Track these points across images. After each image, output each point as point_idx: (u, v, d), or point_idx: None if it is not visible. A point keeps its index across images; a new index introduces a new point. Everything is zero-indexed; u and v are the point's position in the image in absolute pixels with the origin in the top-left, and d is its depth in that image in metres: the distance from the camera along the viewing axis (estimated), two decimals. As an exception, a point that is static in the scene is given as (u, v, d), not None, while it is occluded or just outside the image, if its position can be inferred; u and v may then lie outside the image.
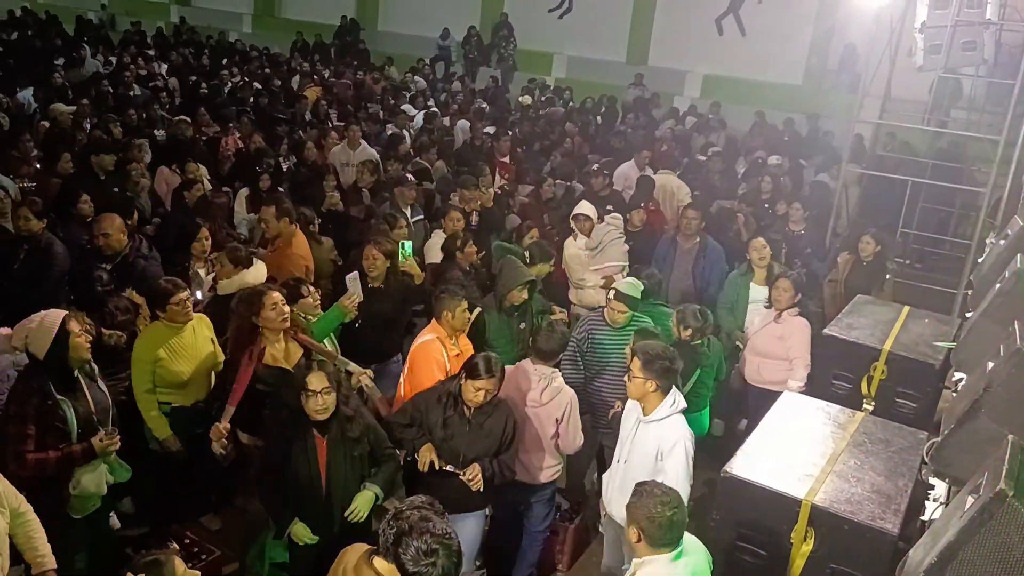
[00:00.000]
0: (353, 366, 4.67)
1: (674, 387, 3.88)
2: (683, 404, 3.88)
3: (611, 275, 6.73)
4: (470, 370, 3.90)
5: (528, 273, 5.33)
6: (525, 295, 5.22)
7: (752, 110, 13.89)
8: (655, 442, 3.80)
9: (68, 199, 6.09)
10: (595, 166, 8.77)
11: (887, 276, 6.61)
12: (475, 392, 3.88)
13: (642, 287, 5.03)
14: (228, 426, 4.18)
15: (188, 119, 9.37)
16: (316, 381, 3.60)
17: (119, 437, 3.73)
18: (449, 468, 3.94)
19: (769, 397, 5.27)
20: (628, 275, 6.11)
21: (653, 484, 3.11)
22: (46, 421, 3.57)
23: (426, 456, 3.93)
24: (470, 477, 3.89)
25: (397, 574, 2.60)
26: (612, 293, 5.01)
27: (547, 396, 4.32)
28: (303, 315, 4.88)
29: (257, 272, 5.14)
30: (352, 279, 4.91)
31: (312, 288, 5.04)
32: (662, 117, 14.26)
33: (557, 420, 4.33)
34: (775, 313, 5.54)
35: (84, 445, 3.63)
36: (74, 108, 9.70)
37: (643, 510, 2.98)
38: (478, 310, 5.21)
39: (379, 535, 2.67)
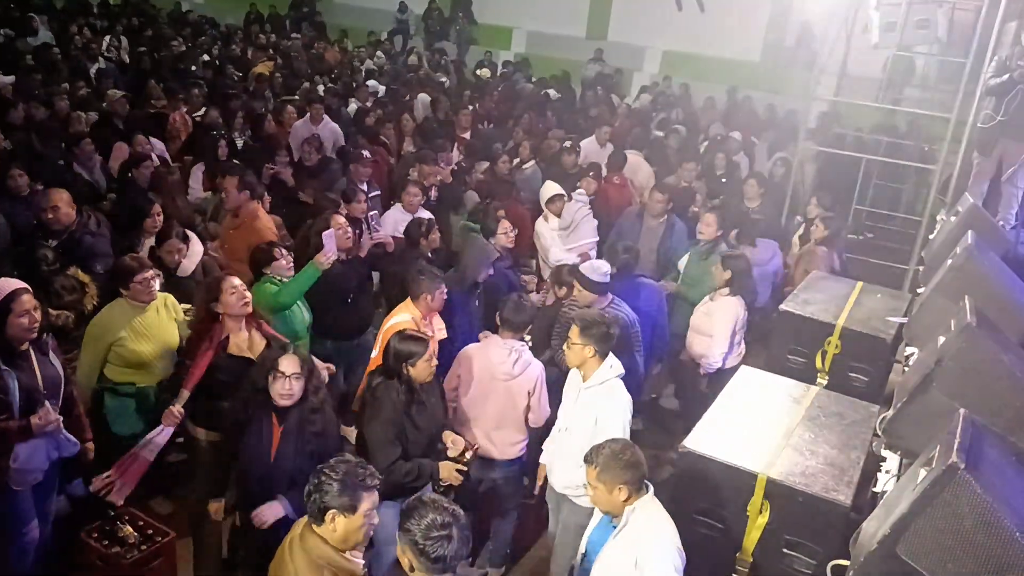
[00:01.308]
0: (315, 361, 4.59)
1: (611, 353, 3.94)
2: (621, 370, 3.95)
3: (586, 251, 6.79)
4: (409, 356, 3.82)
5: (494, 252, 5.39)
6: (490, 272, 5.29)
7: (713, 86, 13.97)
8: (594, 408, 3.88)
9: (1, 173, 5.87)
10: (567, 143, 8.72)
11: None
12: (427, 366, 3.86)
13: (609, 272, 5.03)
14: (182, 410, 4.07)
15: (125, 94, 9.08)
16: (288, 364, 3.51)
17: (60, 416, 3.63)
18: (469, 455, 3.97)
19: (695, 369, 5.61)
20: (603, 251, 6.19)
21: (598, 445, 3.18)
22: None
23: (450, 473, 3.91)
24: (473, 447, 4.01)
25: (332, 531, 2.67)
26: (577, 279, 5.07)
27: (519, 368, 4.33)
28: (277, 277, 4.84)
29: (195, 241, 5.12)
30: (328, 236, 4.85)
31: (284, 251, 4.99)
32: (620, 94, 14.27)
33: (528, 392, 4.36)
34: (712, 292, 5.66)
35: (22, 422, 3.54)
36: (13, 79, 9.37)
37: (617, 464, 3.05)
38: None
39: (306, 502, 2.71)
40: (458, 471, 3.95)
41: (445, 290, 4.75)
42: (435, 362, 3.93)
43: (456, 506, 2.57)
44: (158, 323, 4.38)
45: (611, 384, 3.91)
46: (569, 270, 5.33)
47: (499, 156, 8.19)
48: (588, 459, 3.14)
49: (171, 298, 4.55)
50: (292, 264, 4.97)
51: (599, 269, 4.99)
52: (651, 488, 3.16)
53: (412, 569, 2.51)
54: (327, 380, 4.52)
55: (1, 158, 6.48)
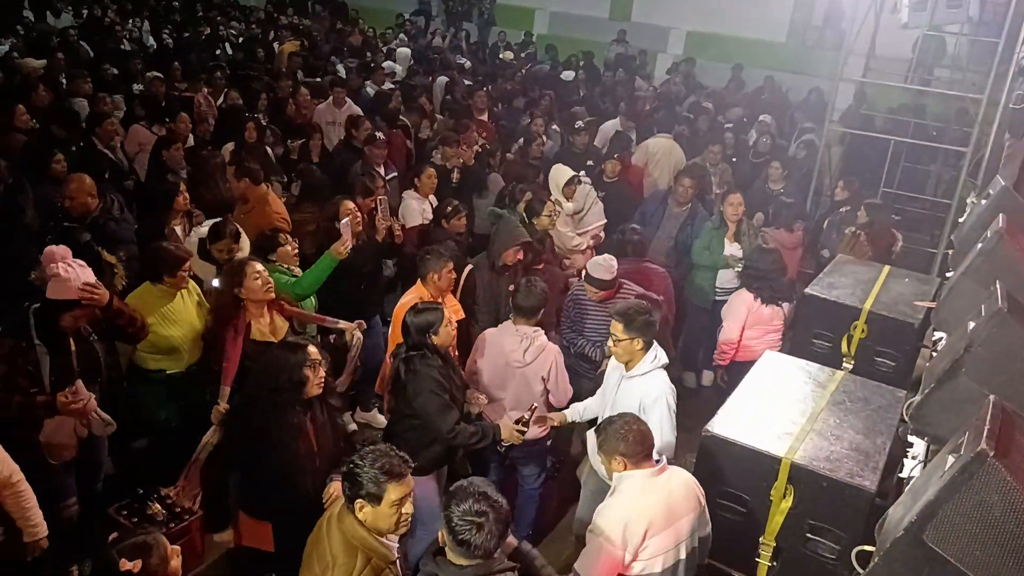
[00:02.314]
0: (343, 323, 4.66)
1: (655, 343, 3.91)
2: (665, 359, 3.93)
3: (597, 233, 6.77)
4: (430, 325, 3.88)
5: (524, 234, 5.28)
6: (520, 256, 5.21)
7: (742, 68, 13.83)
8: (638, 397, 3.85)
9: (41, 159, 5.89)
10: (579, 123, 8.68)
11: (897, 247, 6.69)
12: (448, 330, 3.95)
13: (615, 266, 5.00)
14: (227, 406, 4.06)
15: (161, 75, 9.14)
16: (317, 351, 3.54)
17: (88, 399, 3.67)
18: (528, 415, 4.05)
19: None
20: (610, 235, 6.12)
21: (608, 418, 3.27)
22: (16, 362, 3.55)
23: (510, 432, 3.98)
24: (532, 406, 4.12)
25: (363, 518, 2.73)
26: (584, 274, 5.07)
27: (531, 355, 4.34)
28: (284, 266, 4.84)
29: (244, 237, 5.13)
30: (344, 225, 4.87)
31: (290, 237, 4.98)
32: (644, 75, 14.19)
33: (543, 378, 4.37)
34: None
35: (47, 398, 3.60)
36: (44, 63, 9.45)
37: (615, 437, 3.13)
38: (469, 267, 5.22)
39: (343, 484, 2.76)
40: (518, 431, 4.03)
41: (452, 268, 4.74)
42: (454, 326, 4.00)
43: (501, 499, 2.62)
44: (184, 308, 4.42)
45: (655, 374, 3.88)
46: (586, 277, 5.19)
47: (533, 138, 8.17)
48: (596, 429, 3.26)
49: (193, 283, 4.59)
50: (297, 251, 4.96)
51: (607, 266, 4.94)
52: (659, 466, 3.19)
53: (444, 544, 2.62)
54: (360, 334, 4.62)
55: (29, 142, 6.55)
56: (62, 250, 3.71)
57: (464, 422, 3.96)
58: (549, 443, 4.65)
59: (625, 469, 3.14)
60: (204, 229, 5.10)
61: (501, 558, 2.65)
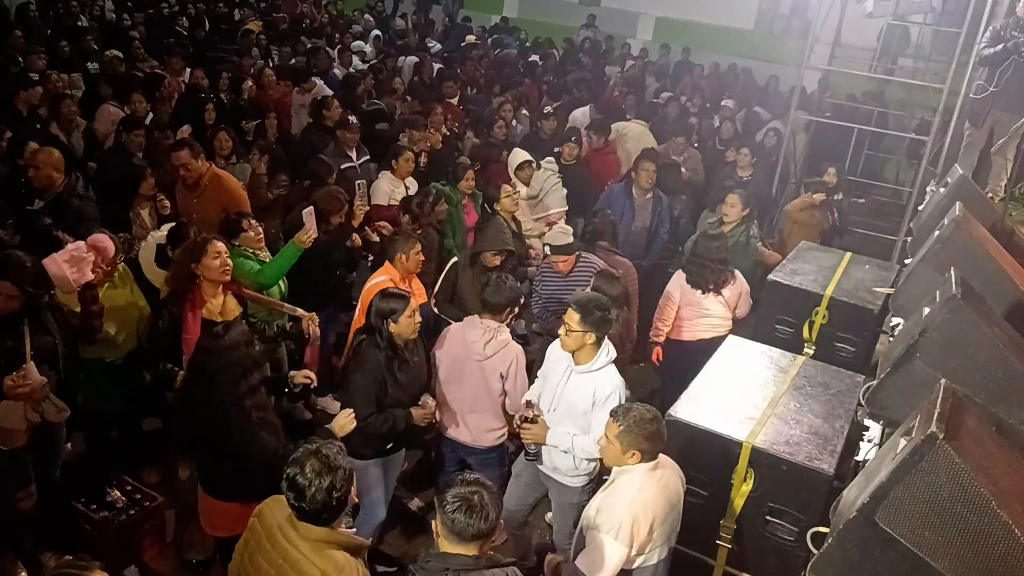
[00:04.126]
0: (300, 311, 4.60)
1: (606, 338, 3.86)
2: (614, 354, 3.86)
3: (554, 221, 6.74)
4: (391, 312, 3.83)
5: (508, 242, 5.25)
6: (498, 261, 5.18)
7: (710, 55, 13.90)
8: (590, 391, 3.76)
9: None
10: (547, 109, 8.64)
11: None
12: (410, 322, 3.87)
13: (570, 230, 5.07)
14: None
15: (120, 54, 8.92)
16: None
17: (39, 384, 3.58)
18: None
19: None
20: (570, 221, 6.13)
21: (628, 405, 3.19)
22: None
23: (421, 416, 3.95)
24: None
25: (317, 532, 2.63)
26: (548, 249, 5.09)
27: (491, 349, 4.19)
28: (249, 250, 4.75)
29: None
30: (308, 213, 4.78)
31: (254, 222, 4.88)
32: (613, 59, 14.18)
33: (502, 375, 4.21)
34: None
35: None
36: (-2, 40, 9.19)
37: (639, 432, 3.05)
38: (454, 259, 5.26)
39: (297, 505, 2.61)
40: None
41: (420, 249, 4.74)
42: (418, 318, 3.91)
43: (490, 489, 2.57)
44: (116, 297, 4.31)
45: (609, 369, 3.81)
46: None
47: (495, 123, 8.12)
48: (615, 415, 3.14)
49: (127, 269, 4.48)
50: (261, 235, 4.85)
51: (563, 233, 5.06)
52: (658, 459, 3.15)
53: (438, 536, 2.57)
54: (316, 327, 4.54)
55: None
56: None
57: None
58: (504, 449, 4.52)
59: (640, 461, 3.10)
60: (161, 234, 4.81)
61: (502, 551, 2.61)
